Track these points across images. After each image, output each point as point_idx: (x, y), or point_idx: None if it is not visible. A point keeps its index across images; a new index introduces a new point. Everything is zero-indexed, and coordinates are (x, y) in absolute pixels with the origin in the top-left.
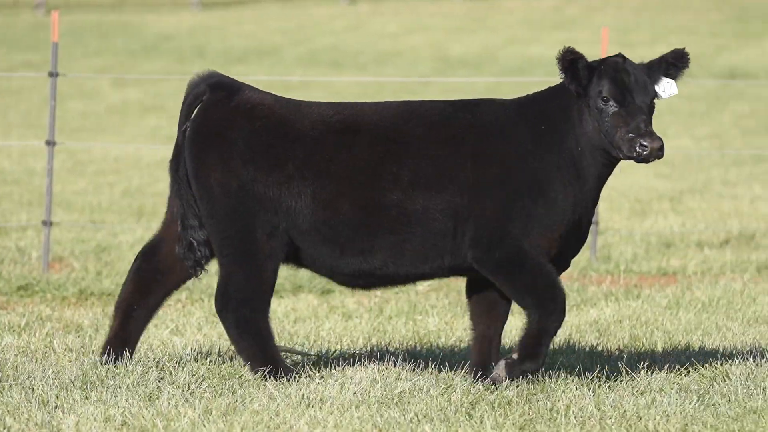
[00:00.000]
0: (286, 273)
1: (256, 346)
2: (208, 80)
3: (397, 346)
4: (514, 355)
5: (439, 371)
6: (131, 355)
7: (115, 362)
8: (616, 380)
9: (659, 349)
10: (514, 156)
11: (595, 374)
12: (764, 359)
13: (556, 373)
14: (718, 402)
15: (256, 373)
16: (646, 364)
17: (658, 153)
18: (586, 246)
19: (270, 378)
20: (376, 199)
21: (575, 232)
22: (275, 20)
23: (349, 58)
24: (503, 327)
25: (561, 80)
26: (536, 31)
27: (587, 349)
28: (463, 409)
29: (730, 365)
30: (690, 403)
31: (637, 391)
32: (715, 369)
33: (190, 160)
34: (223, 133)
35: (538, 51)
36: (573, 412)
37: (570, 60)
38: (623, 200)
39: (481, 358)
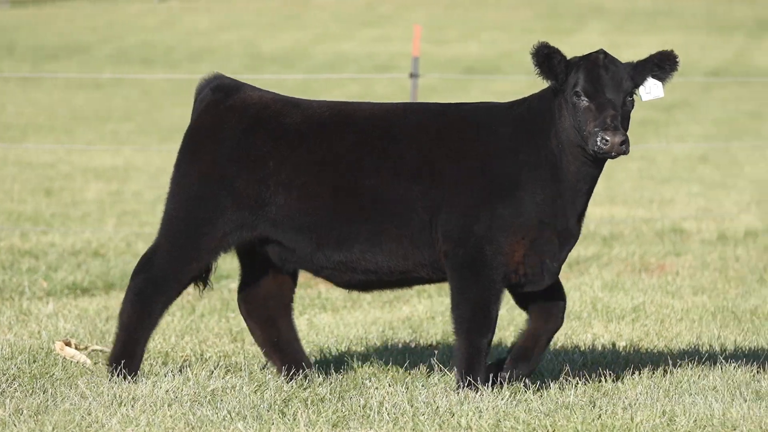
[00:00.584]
0: (99, 271)
1: (134, 326)
2: (212, 83)
3: (210, 344)
4: (456, 375)
5: (252, 369)
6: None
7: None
8: (429, 377)
9: None
10: (487, 155)
11: (408, 371)
12: (576, 355)
13: (369, 369)
14: (530, 397)
15: (114, 343)
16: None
17: (619, 148)
18: None
19: (116, 360)
20: (354, 190)
21: (556, 235)
22: (86, 18)
23: (161, 55)
24: (556, 330)
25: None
26: (348, 28)
27: (400, 345)
28: (276, 406)
29: (542, 362)
30: (502, 399)
31: (450, 388)
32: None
33: (179, 152)
34: (214, 130)
35: (349, 48)
36: (386, 408)
37: (545, 54)
38: None
39: (524, 352)
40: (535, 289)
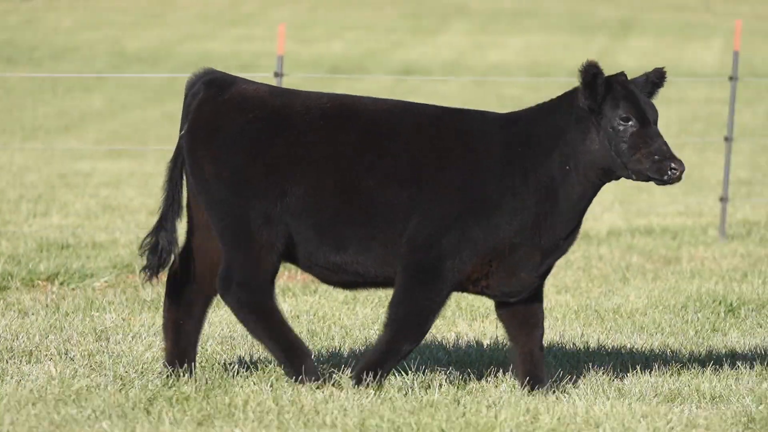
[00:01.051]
0: None
1: (264, 325)
2: (203, 78)
3: (74, 342)
4: (356, 372)
5: (117, 368)
6: (192, 369)
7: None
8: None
9: (336, 344)
10: (471, 171)
11: (273, 369)
12: (440, 353)
13: (234, 368)
14: (395, 396)
15: (281, 362)
16: (325, 358)
17: (681, 176)
18: None
19: (298, 366)
20: (352, 190)
21: (540, 251)
22: None
23: (23, 53)
24: (542, 335)
25: (558, 97)
26: (212, 27)
27: None
28: (141, 405)
29: (407, 360)
30: (367, 397)
31: (315, 386)
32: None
33: (186, 156)
34: (215, 127)
35: (214, 46)
36: (251, 407)
37: (593, 74)
38: None
39: (529, 373)
40: (510, 300)
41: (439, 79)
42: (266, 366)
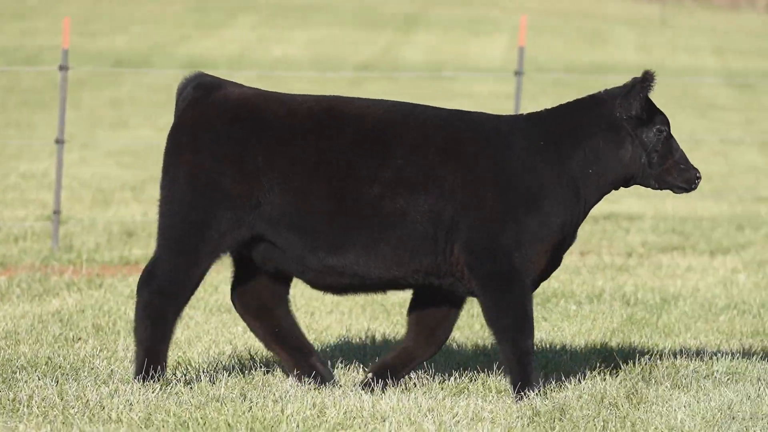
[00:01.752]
0: None
1: (151, 338)
2: (194, 81)
3: None
4: (512, 393)
5: None
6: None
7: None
8: (79, 371)
9: (121, 338)
10: (509, 170)
11: (59, 364)
12: (227, 347)
13: (18, 362)
14: (182, 390)
15: (136, 359)
16: (111, 352)
17: None
18: (47, 235)
19: (144, 371)
20: (355, 194)
21: (555, 252)
22: None
23: None
24: (434, 354)
25: (580, 101)
26: None
27: (51, 338)
28: None
29: (190, 354)
30: (153, 392)
31: (100, 381)
32: (180, 356)
33: (164, 155)
34: (196, 129)
35: None
36: (35, 402)
37: (649, 86)
38: (85, 190)
39: (392, 364)
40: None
41: (225, 72)
42: (50, 361)
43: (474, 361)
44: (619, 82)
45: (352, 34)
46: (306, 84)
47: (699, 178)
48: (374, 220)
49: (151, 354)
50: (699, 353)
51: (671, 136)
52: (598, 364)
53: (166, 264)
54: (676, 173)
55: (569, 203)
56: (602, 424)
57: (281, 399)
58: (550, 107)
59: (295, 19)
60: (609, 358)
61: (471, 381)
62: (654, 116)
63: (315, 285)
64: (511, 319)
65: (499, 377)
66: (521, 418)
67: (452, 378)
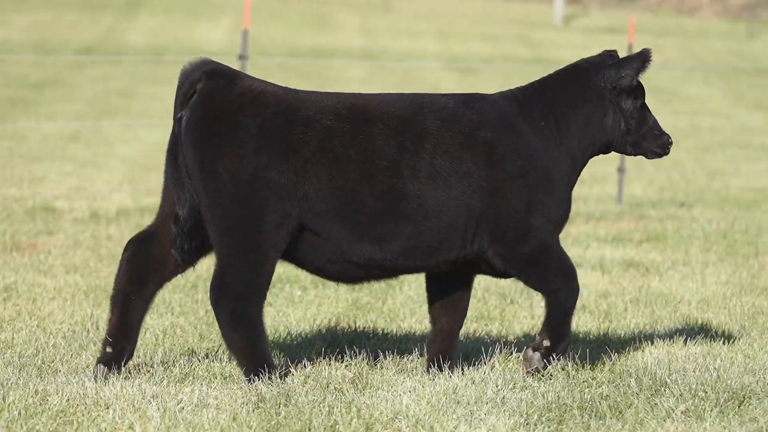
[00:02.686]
0: None
1: (249, 343)
2: (203, 67)
3: None
4: (545, 342)
5: None
6: (133, 348)
7: (118, 356)
8: None
9: None
10: (522, 150)
11: None
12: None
13: None
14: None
15: (244, 369)
16: None
17: None
18: None
19: (258, 375)
20: (397, 191)
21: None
22: None
23: None
24: (462, 323)
25: (564, 72)
26: None
27: None
28: None
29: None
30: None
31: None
32: None
33: (192, 148)
34: (232, 120)
35: None
36: None
37: (648, 62)
38: None
39: (441, 349)
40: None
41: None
42: None
43: (198, 347)
44: (344, 66)
45: (72, 18)
46: (26, 68)
47: (671, 143)
48: (414, 212)
49: (259, 356)
50: (424, 338)
51: (645, 104)
52: (323, 350)
53: (236, 268)
54: (651, 139)
55: (571, 174)
56: (327, 409)
57: (2, 386)
58: (535, 81)
59: (14, 2)
60: (335, 343)
61: (196, 367)
62: (637, 86)
63: (336, 278)
64: (560, 281)
65: (224, 363)
66: (246, 404)
67: (177, 365)
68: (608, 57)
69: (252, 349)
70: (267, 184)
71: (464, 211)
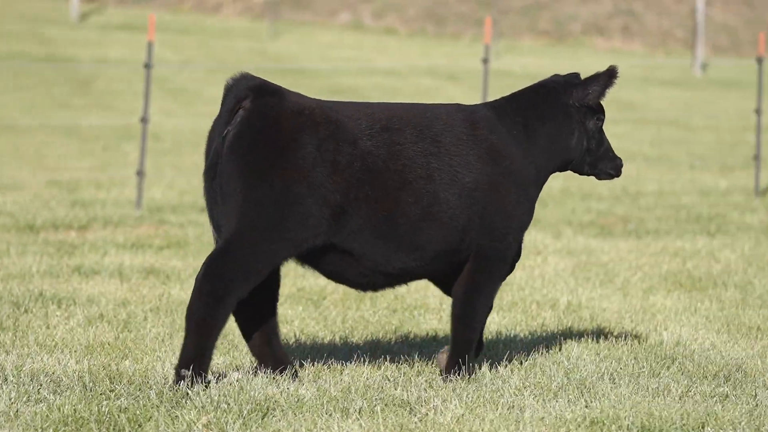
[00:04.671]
0: None
1: (207, 328)
2: (247, 83)
3: None
4: (444, 365)
5: None
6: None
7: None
8: None
9: None
10: (511, 160)
11: None
12: None
13: None
14: None
15: (183, 353)
16: None
17: None
18: None
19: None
20: (430, 196)
21: None
22: None
23: None
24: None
25: (532, 89)
26: None
27: None
28: None
29: None
30: None
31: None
32: None
33: (237, 161)
34: (291, 138)
35: None
36: None
37: (615, 78)
38: None
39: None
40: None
41: None
42: None
43: None
44: None
45: None
46: None
47: (622, 165)
48: (441, 216)
49: (201, 344)
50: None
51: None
52: None
53: (241, 256)
54: (607, 160)
55: (536, 189)
56: None
57: None
58: (506, 96)
59: None
60: None
61: None
62: (600, 106)
63: (364, 287)
64: (480, 304)
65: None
66: None
67: None
68: (574, 77)
69: (204, 336)
70: (315, 200)
71: (468, 217)
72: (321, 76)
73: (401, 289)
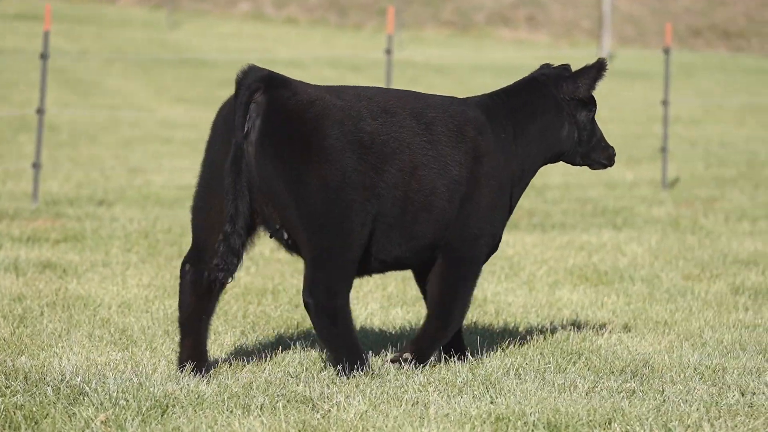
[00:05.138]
0: None
1: (343, 336)
2: (256, 74)
3: None
4: (405, 355)
5: None
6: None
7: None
8: None
9: None
10: (491, 158)
11: None
12: None
13: None
14: None
15: (339, 361)
16: None
17: None
18: None
19: (354, 366)
20: (432, 183)
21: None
22: None
23: None
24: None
25: (522, 83)
26: None
27: None
28: None
29: None
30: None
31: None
32: None
33: (274, 159)
34: (314, 128)
35: None
36: None
37: (605, 71)
38: None
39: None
40: None
41: None
42: None
43: None
44: None
45: None
46: None
47: (615, 154)
48: (437, 212)
49: (352, 347)
50: None
51: (594, 117)
52: None
53: (328, 268)
54: (599, 150)
55: (520, 183)
56: None
57: None
58: (493, 91)
59: None
60: None
61: None
62: (591, 98)
63: (372, 271)
64: (457, 305)
65: None
66: None
67: None
68: (564, 69)
69: (346, 341)
70: (353, 187)
71: (455, 207)
72: (220, 66)
73: None
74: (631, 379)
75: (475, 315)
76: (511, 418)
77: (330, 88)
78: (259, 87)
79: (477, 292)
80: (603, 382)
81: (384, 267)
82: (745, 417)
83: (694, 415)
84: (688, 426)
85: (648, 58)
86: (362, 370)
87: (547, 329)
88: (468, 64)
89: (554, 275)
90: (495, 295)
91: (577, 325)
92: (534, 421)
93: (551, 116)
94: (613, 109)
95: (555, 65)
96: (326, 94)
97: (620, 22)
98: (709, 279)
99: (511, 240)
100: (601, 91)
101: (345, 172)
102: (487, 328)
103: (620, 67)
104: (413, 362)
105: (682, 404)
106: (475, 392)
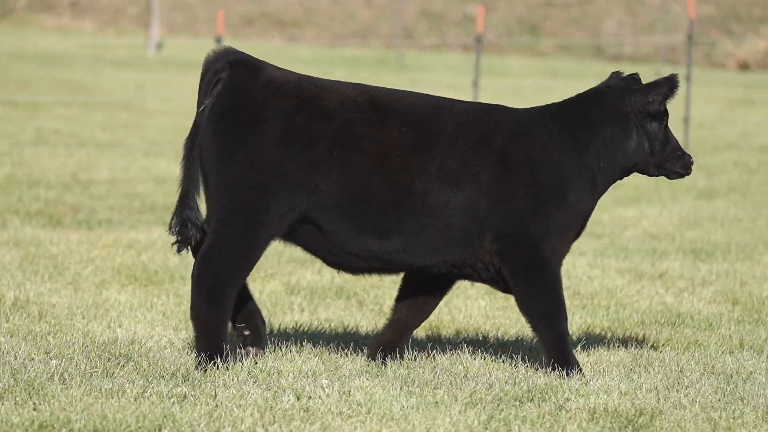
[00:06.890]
0: None
1: (214, 323)
2: (227, 57)
3: None
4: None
5: None
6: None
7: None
8: None
9: None
10: (535, 164)
11: None
12: None
13: None
14: None
15: (199, 346)
16: None
17: None
18: None
19: (210, 357)
20: (404, 183)
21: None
22: None
23: None
24: (420, 325)
25: (585, 95)
26: None
27: None
28: None
29: None
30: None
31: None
32: None
33: (212, 135)
34: (256, 112)
35: None
36: None
37: (677, 88)
38: None
39: (388, 339)
40: None
41: None
42: None
43: None
44: None
45: None
46: None
47: (693, 162)
48: (419, 211)
49: (214, 339)
50: None
51: (667, 125)
52: None
53: (227, 249)
54: (674, 159)
55: (588, 194)
56: None
57: None
58: (557, 101)
59: None
60: None
61: None
62: (661, 107)
63: (338, 266)
64: (544, 305)
65: None
66: None
67: None
68: (633, 81)
69: (214, 330)
70: (282, 176)
71: (469, 213)
72: None
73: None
74: (182, 383)
75: (15, 317)
76: (55, 425)
77: (321, 81)
78: (225, 68)
79: (19, 293)
80: (153, 387)
81: (372, 263)
82: (300, 422)
83: (248, 420)
84: (242, 431)
85: (199, 48)
86: (217, 364)
87: (93, 331)
88: (8, 52)
89: (101, 275)
90: (38, 296)
91: (125, 327)
92: (80, 428)
93: (614, 128)
94: (163, 101)
95: (624, 74)
96: (303, 83)
97: (169, 9)
98: (264, 279)
99: (54, 238)
100: (148, 82)
101: (277, 161)
102: (30, 331)
103: (169, 57)
104: (566, 373)
105: (235, 409)
106: (18, 399)
